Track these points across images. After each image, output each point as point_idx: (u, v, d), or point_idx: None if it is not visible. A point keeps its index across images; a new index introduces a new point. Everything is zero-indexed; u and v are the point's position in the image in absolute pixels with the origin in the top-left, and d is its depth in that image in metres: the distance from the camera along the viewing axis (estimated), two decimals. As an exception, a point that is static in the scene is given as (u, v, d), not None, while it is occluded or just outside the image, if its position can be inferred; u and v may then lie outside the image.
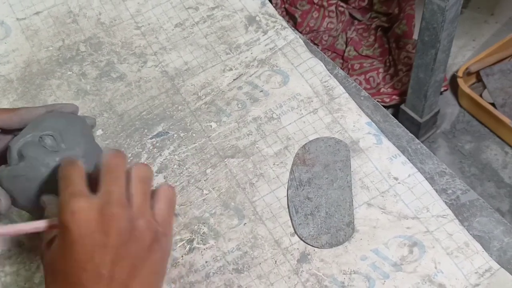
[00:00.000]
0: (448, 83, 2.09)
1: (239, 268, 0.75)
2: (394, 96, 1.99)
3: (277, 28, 0.96)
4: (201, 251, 0.77)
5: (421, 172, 0.80)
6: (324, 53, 2.02)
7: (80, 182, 0.61)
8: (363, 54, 2.09)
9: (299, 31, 2.09)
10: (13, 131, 0.76)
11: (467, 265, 0.72)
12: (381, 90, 2.01)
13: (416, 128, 1.92)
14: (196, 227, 0.79)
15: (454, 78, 2.07)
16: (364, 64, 2.06)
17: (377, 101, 1.95)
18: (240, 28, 0.97)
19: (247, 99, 0.89)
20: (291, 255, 0.75)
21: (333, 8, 2.17)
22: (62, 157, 0.70)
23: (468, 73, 2.00)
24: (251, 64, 0.93)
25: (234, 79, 0.92)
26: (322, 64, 0.91)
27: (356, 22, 2.17)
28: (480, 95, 1.98)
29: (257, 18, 0.98)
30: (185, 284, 0.75)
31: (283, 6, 2.19)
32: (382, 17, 2.14)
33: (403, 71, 2.00)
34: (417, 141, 0.83)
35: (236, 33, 0.97)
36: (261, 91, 0.90)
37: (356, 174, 0.81)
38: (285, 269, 0.74)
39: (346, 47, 2.11)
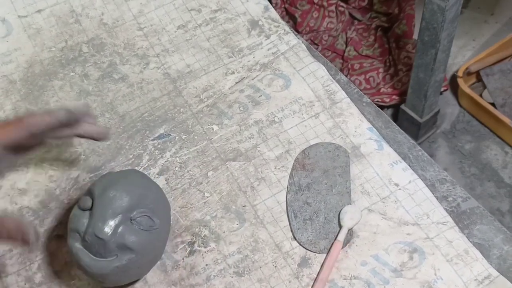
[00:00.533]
0: (448, 83, 2.09)
1: (240, 272, 0.75)
2: (394, 96, 1.99)
3: (280, 33, 0.97)
4: (202, 254, 0.77)
5: (422, 179, 0.80)
6: (324, 53, 2.02)
7: None
8: (363, 54, 2.09)
9: (299, 31, 2.09)
10: (24, 149, 0.74)
11: (467, 272, 0.72)
12: (381, 90, 2.01)
13: (416, 128, 1.92)
14: (197, 229, 0.79)
15: (454, 78, 2.06)
16: (364, 64, 2.06)
17: (377, 101, 1.97)
18: (243, 31, 0.98)
19: (249, 102, 0.90)
20: (292, 259, 0.76)
21: (333, 8, 2.17)
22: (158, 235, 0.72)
23: (468, 73, 2.00)
24: (254, 68, 0.93)
25: (236, 82, 0.92)
26: (324, 68, 0.92)
27: (356, 22, 2.17)
28: (480, 95, 1.98)
29: (260, 23, 0.98)
30: (185, 286, 0.75)
31: (283, 6, 2.19)
32: (382, 17, 2.13)
33: (403, 71, 2.00)
34: (418, 148, 0.84)
35: (238, 37, 0.97)
36: (263, 94, 0.90)
37: (357, 179, 0.81)
38: (285, 273, 0.75)
39: (346, 47, 2.11)
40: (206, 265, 0.76)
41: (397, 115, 1.96)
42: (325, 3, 2.15)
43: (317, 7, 2.16)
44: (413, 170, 0.81)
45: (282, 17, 2.14)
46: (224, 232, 0.79)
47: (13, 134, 0.70)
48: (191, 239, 0.78)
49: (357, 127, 0.85)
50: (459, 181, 1.86)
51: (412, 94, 1.82)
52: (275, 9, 2.10)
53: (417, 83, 1.75)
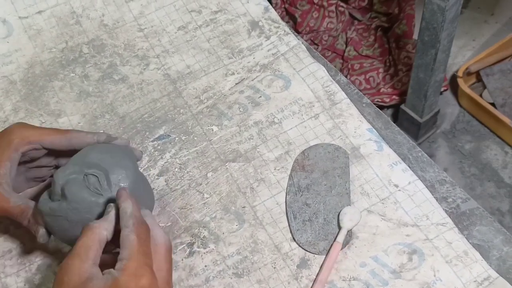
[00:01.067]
0: (448, 83, 2.09)
1: (239, 273, 0.75)
2: (394, 96, 1.99)
3: (280, 34, 0.97)
4: (201, 255, 0.77)
5: (421, 180, 0.80)
6: (324, 53, 2.02)
7: (92, 259, 0.60)
8: (363, 54, 2.09)
9: (299, 31, 2.09)
10: (58, 153, 0.78)
11: (466, 274, 0.72)
12: (381, 90, 2.01)
13: (416, 128, 1.92)
14: (196, 230, 0.79)
15: (454, 78, 2.06)
16: (364, 64, 2.06)
17: (377, 101, 1.96)
18: (243, 32, 0.98)
19: (248, 103, 0.90)
20: (291, 260, 0.76)
21: (333, 8, 2.17)
22: (105, 200, 0.69)
23: (468, 73, 2.00)
24: (253, 69, 0.93)
25: (236, 83, 0.92)
26: (324, 69, 0.92)
27: (356, 22, 2.17)
28: (480, 95, 1.98)
29: (260, 23, 0.98)
30: (184, 287, 0.75)
31: (283, 6, 2.19)
32: (382, 17, 2.13)
33: (403, 71, 2.00)
34: (418, 148, 0.84)
35: (238, 38, 0.97)
36: (263, 95, 0.90)
37: (357, 180, 0.81)
38: (284, 274, 0.75)
39: (346, 47, 2.11)
40: (205, 266, 0.76)
41: (397, 115, 1.96)
42: (325, 3, 2.15)
43: (317, 7, 2.16)
44: (412, 171, 0.81)
45: (282, 17, 2.14)
46: (223, 233, 0.79)
47: (56, 139, 0.76)
48: (191, 240, 0.78)
49: (356, 128, 0.85)
50: (459, 181, 1.86)
51: (412, 94, 1.82)
52: (275, 9, 2.11)
53: (417, 83, 1.75)
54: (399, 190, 0.79)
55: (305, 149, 0.84)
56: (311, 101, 0.89)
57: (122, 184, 0.70)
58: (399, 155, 0.83)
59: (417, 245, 0.75)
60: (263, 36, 0.97)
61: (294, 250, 0.76)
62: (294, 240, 0.77)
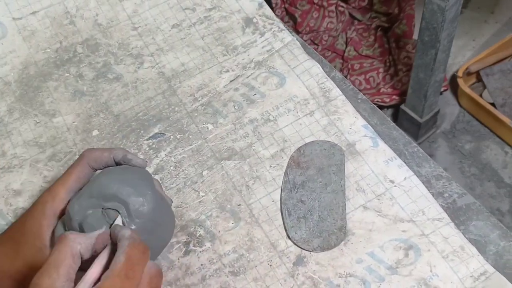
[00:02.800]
0: (448, 83, 2.09)
1: (235, 271, 0.75)
2: (394, 96, 1.99)
3: (274, 30, 0.96)
4: (197, 254, 0.77)
5: (417, 176, 0.80)
6: (324, 53, 2.02)
7: (64, 275, 0.55)
8: (363, 54, 2.09)
9: (299, 31, 2.09)
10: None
11: (463, 269, 0.72)
12: (381, 90, 2.01)
13: (416, 128, 1.92)
14: (192, 229, 0.79)
15: (454, 78, 2.06)
16: (364, 64, 2.06)
17: (377, 101, 1.96)
18: (237, 29, 0.97)
19: (243, 101, 0.89)
20: (287, 258, 0.75)
21: (333, 8, 2.17)
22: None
23: (468, 73, 2.00)
24: (248, 66, 0.93)
25: (230, 81, 0.92)
26: (319, 66, 0.91)
27: (356, 22, 2.17)
28: (480, 95, 1.98)
29: (254, 20, 0.98)
30: (181, 286, 0.74)
31: (283, 6, 2.19)
32: (382, 17, 2.13)
33: (403, 71, 2.00)
34: (414, 144, 0.83)
35: (233, 35, 0.97)
36: (258, 93, 0.90)
37: (352, 177, 0.81)
38: (281, 272, 0.74)
39: (346, 47, 2.11)
40: (202, 265, 0.76)
41: (397, 115, 1.96)
42: (325, 3, 2.15)
43: (317, 7, 2.16)
44: (408, 166, 0.81)
45: (282, 17, 2.14)
46: (219, 231, 0.78)
47: (78, 171, 0.70)
48: (186, 239, 0.78)
49: (352, 124, 0.85)
50: (459, 181, 1.86)
51: (412, 94, 1.82)
52: (275, 9, 2.13)
53: (417, 83, 1.75)
54: (395, 186, 0.79)
55: (300, 146, 0.84)
56: (306, 98, 0.88)
57: (143, 210, 0.67)
58: (395, 150, 0.82)
59: (413, 241, 0.74)
60: (257, 33, 0.96)
61: (290, 247, 0.76)
62: (288, 237, 0.77)
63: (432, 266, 0.72)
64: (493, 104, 1.95)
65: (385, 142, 0.83)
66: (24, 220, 0.70)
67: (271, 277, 0.74)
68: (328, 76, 0.90)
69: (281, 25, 0.97)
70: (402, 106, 1.92)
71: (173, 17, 1.00)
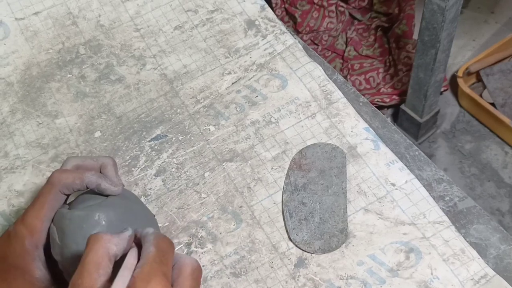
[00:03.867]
0: (448, 83, 2.09)
1: (237, 272, 0.75)
2: (394, 96, 2.00)
3: (276, 33, 0.96)
4: (199, 255, 0.77)
5: (418, 179, 0.80)
6: (324, 53, 2.02)
7: (104, 275, 0.55)
8: (363, 54, 2.09)
9: (299, 31, 2.09)
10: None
11: (463, 272, 0.72)
12: (381, 90, 2.01)
13: (416, 128, 1.92)
14: (194, 230, 0.79)
15: (454, 78, 2.07)
16: (364, 64, 2.06)
17: (377, 101, 1.96)
18: (239, 32, 0.98)
19: (245, 103, 0.90)
20: (288, 259, 0.76)
21: (333, 8, 2.17)
22: None
23: (468, 73, 2.00)
24: (250, 68, 0.93)
25: (233, 83, 0.92)
26: (320, 68, 0.92)
27: (356, 22, 2.17)
28: (480, 95, 1.98)
29: (257, 22, 0.98)
30: (182, 288, 0.75)
31: (283, 6, 2.19)
32: (382, 17, 2.14)
33: (403, 71, 2.01)
34: (415, 147, 0.84)
35: (235, 37, 0.97)
36: (259, 95, 0.90)
37: (354, 179, 0.81)
38: (282, 274, 0.75)
39: (346, 47, 2.11)
40: (203, 266, 0.76)
41: (397, 115, 1.97)
42: (325, 3, 2.16)
43: (317, 7, 2.16)
44: (409, 169, 0.81)
45: (282, 17, 2.14)
46: (221, 233, 0.79)
47: (50, 200, 0.69)
48: (188, 240, 0.78)
49: (353, 127, 0.85)
50: (459, 181, 1.87)
51: (412, 94, 1.83)
52: (275, 9, 2.13)
53: (417, 83, 1.75)
54: (396, 189, 0.79)
55: (302, 149, 0.84)
56: (307, 100, 0.89)
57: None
58: (396, 154, 0.83)
59: (414, 244, 0.75)
60: (259, 35, 0.97)
61: (292, 249, 0.76)
62: (290, 239, 0.77)
63: (433, 269, 0.73)
64: (493, 104, 1.95)
65: (386, 145, 0.83)
66: (2, 256, 0.68)
67: (272, 279, 0.74)
68: (330, 79, 0.91)
69: (283, 28, 0.97)
70: (402, 106, 1.92)
71: (176, 19, 1.00)
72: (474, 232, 0.76)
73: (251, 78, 0.92)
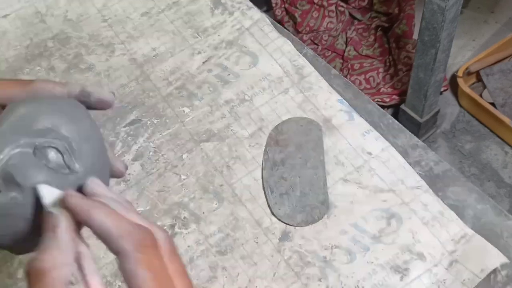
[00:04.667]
0: (448, 83, 2.09)
1: (222, 250, 0.76)
2: (394, 96, 2.00)
3: (243, 9, 0.97)
4: (184, 236, 0.78)
5: (394, 146, 0.81)
6: (324, 53, 2.02)
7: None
8: (363, 54, 2.08)
9: (299, 31, 2.09)
10: None
11: (443, 233, 0.74)
12: (381, 90, 2.01)
13: (416, 128, 1.92)
14: (176, 212, 0.79)
15: (454, 78, 2.06)
16: (364, 64, 2.06)
17: (377, 101, 1.97)
18: (206, 11, 0.98)
19: (218, 82, 0.90)
20: (273, 234, 0.77)
21: (333, 8, 2.16)
22: (75, 184, 0.49)
23: (468, 73, 2.00)
24: (219, 46, 0.93)
25: (203, 62, 0.92)
26: (290, 43, 0.92)
27: (356, 22, 2.17)
28: (480, 95, 1.99)
29: (223, 1, 0.98)
30: (169, 269, 0.75)
31: (283, 6, 2.18)
32: (382, 17, 2.13)
33: (403, 71, 2.01)
34: (389, 116, 0.85)
35: (202, 17, 0.97)
36: (231, 73, 0.90)
37: (331, 151, 0.82)
38: (267, 248, 0.76)
39: (346, 47, 2.11)
40: (188, 246, 0.77)
41: (397, 115, 1.96)
42: (325, 3, 2.15)
43: (317, 7, 2.16)
44: (385, 138, 0.82)
45: (282, 17, 2.14)
46: (203, 212, 0.79)
47: (16, 93, 0.53)
48: (172, 222, 0.79)
49: (327, 100, 0.86)
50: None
51: (412, 94, 1.83)
52: (275, 9, 2.13)
53: (417, 83, 1.76)
54: (373, 158, 0.81)
55: (278, 124, 0.85)
56: (280, 76, 0.89)
57: (88, 146, 0.51)
58: (371, 123, 0.84)
59: (394, 210, 0.76)
60: (226, 13, 0.97)
61: (275, 224, 0.77)
62: (273, 214, 0.78)
63: (414, 232, 0.74)
64: (493, 104, 1.95)
65: (360, 116, 0.85)
66: None
67: (258, 254, 0.75)
68: (300, 53, 0.91)
69: (249, 3, 0.97)
70: (402, 106, 1.92)
71: (142, 6, 1.00)
72: (451, 195, 0.78)
73: (221, 56, 0.92)
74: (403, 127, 0.83)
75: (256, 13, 0.96)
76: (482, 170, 1.91)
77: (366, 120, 0.84)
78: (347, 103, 0.86)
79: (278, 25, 0.96)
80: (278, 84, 0.89)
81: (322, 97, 0.87)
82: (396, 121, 0.84)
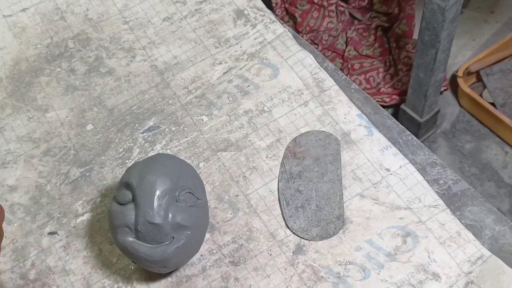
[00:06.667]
0: (448, 83, 2.09)
1: (235, 261, 0.76)
2: (394, 96, 1.99)
3: (266, 22, 0.97)
4: (197, 245, 0.77)
5: (412, 163, 0.81)
6: (324, 52, 2.02)
7: None
8: (363, 54, 2.08)
9: (299, 31, 2.09)
10: None
11: (460, 254, 0.73)
12: (381, 90, 2.01)
13: (416, 128, 1.92)
14: (190, 221, 0.79)
15: (454, 78, 2.06)
16: (364, 64, 2.06)
17: (377, 101, 1.97)
18: (229, 21, 0.98)
19: (237, 92, 0.90)
20: (287, 247, 0.76)
21: (333, 7, 2.16)
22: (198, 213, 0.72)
23: (468, 73, 1.99)
24: (241, 58, 0.93)
25: (224, 73, 0.92)
26: (311, 56, 0.92)
27: (356, 21, 2.17)
28: (480, 95, 1.98)
29: (245, 12, 0.98)
30: (181, 277, 0.75)
31: (283, 5, 2.19)
32: (382, 17, 2.13)
33: (403, 71, 2.00)
34: (408, 132, 0.84)
35: (224, 27, 0.97)
36: (251, 84, 0.90)
37: (348, 166, 0.81)
38: (281, 261, 0.75)
39: (346, 47, 2.11)
40: (201, 255, 0.76)
41: (397, 115, 1.96)
42: (325, 3, 2.15)
43: (317, 7, 2.16)
44: (403, 154, 0.82)
45: (282, 17, 2.14)
46: (218, 222, 0.79)
47: None
48: (185, 230, 0.78)
49: (346, 114, 0.86)
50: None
51: (412, 94, 1.83)
52: (275, 9, 2.13)
53: (417, 83, 1.76)
54: (390, 174, 0.80)
55: (296, 137, 0.84)
56: (300, 88, 0.89)
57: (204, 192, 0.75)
58: (389, 139, 0.83)
59: (411, 228, 0.76)
60: (249, 25, 0.97)
61: (289, 237, 0.77)
62: (287, 227, 0.77)
63: (430, 252, 0.74)
64: (493, 104, 1.95)
65: (379, 131, 0.84)
66: None
67: (271, 266, 0.75)
68: (321, 67, 0.91)
69: (273, 17, 0.97)
70: (402, 106, 1.92)
71: (164, 11, 1.00)
72: (469, 214, 0.77)
73: (242, 67, 0.92)
74: (422, 144, 0.83)
75: (279, 27, 0.96)
76: (482, 170, 1.90)
77: (385, 136, 0.84)
78: (366, 117, 0.85)
79: (300, 37, 0.95)
80: (298, 96, 0.88)
81: (342, 111, 0.86)
82: (415, 137, 0.83)
